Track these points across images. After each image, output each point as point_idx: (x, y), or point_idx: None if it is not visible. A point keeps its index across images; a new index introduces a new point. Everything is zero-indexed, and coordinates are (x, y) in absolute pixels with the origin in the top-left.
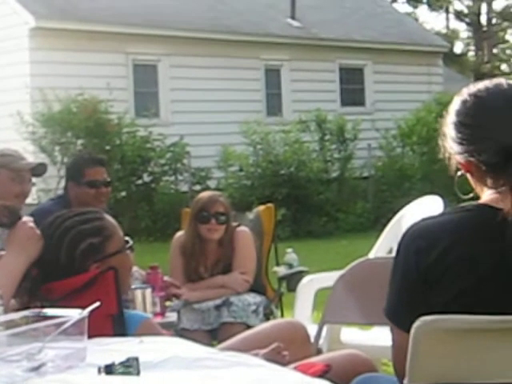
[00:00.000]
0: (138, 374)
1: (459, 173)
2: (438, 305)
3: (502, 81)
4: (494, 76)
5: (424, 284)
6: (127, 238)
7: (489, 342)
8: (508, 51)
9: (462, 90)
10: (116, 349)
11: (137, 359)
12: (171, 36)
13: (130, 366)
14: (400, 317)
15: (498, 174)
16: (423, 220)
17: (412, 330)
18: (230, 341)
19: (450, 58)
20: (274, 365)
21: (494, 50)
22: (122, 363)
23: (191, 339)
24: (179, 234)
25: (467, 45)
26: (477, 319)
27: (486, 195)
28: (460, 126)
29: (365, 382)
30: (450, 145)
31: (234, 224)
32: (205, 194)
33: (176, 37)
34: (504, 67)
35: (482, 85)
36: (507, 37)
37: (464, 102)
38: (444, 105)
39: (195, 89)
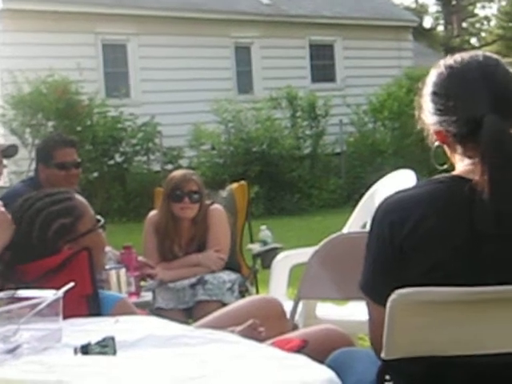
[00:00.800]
0: (114, 353)
1: (436, 144)
2: (413, 278)
3: (478, 53)
4: (464, 50)
5: (398, 257)
6: (98, 217)
7: (464, 314)
8: (477, 25)
9: (438, 62)
10: (92, 329)
11: (113, 339)
12: (140, 15)
13: (107, 346)
14: (375, 291)
15: (468, 144)
16: (396, 193)
17: (388, 304)
18: (205, 318)
19: (420, 33)
20: (251, 341)
21: (464, 24)
22: (98, 343)
23: (167, 318)
24: (152, 213)
25: (436, 19)
26: (452, 291)
27: (460, 166)
28: (435, 96)
29: (341, 356)
30: (426, 116)
31: (208, 202)
32: (177, 173)
33: (145, 16)
34: (473, 41)
35: (458, 56)
36: (476, 10)
37: (440, 74)
38: (414, 79)
39: (165, 68)
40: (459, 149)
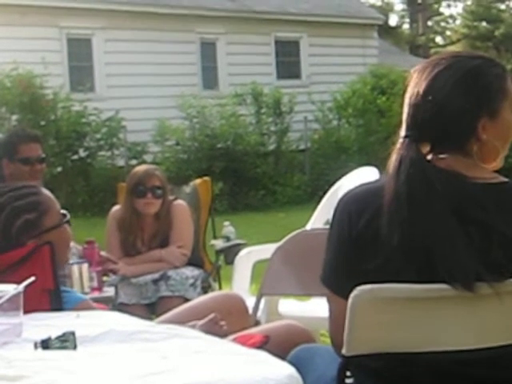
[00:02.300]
0: (74, 348)
1: None
2: (371, 270)
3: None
4: (429, 48)
5: (356, 249)
6: (64, 212)
7: (425, 311)
8: (442, 23)
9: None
10: (52, 324)
11: (73, 333)
12: (105, 10)
13: (67, 341)
14: (335, 282)
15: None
16: (357, 187)
17: (349, 300)
18: (167, 314)
19: (385, 31)
20: (212, 336)
21: (429, 23)
22: (58, 338)
23: (129, 314)
24: (115, 208)
25: (402, 17)
26: (414, 288)
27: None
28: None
29: (303, 352)
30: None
31: (171, 198)
32: (140, 168)
33: (110, 10)
34: (439, 39)
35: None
36: (442, 9)
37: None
38: (379, 77)
39: (130, 63)
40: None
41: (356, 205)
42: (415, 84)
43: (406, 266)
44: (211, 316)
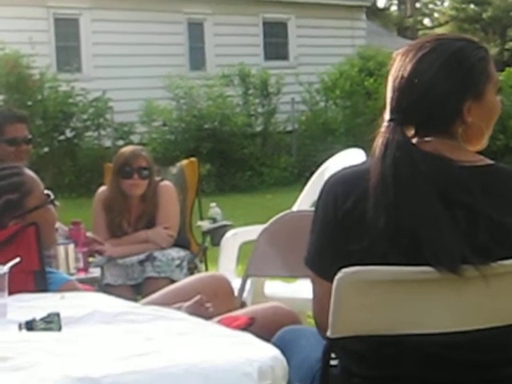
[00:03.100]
0: (59, 329)
1: None
2: (356, 252)
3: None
4: (417, 30)
5: (342, 231)
6: (48, 192)
7: (410, 293)
8: (430, 5)
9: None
10: (37, 305)
11: (58, 315)
12: None
13: (51, 322)
14: (320, 265)
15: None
16: (344, 169)
17: (334, 282)
18: (153, 295)
19: (373, 13)
20: (197, 318)
21: (417, 4)
22: (42, 319)
23: (115, 294)
24: (102, 189)
25: None
26: (398, 270)
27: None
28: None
29: (288, 334)
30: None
31: (157, 179)
32: (127, 149)
33: None
34: (427, 21)
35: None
36: None
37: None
38: (367, 59)
39: (118, 43)
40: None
41: (342, 187)
42: (399, 67)
43: (391, 248)
44: (197, 298)
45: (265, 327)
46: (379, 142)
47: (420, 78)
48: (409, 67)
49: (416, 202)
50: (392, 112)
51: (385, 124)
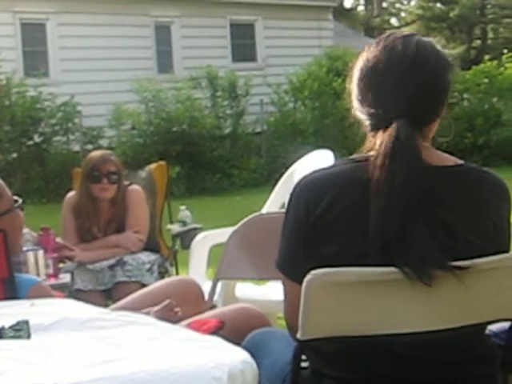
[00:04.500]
0: (28, 337)
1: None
2: (328, 256)
3: (412, 42)
4: (384, 30)
5: (313, 235)
6: (16, 198)
7: (379, 294)
8: (397, 5)
9: (368, 45)
10: (6, 312)
11: (27, 322)
12: None
13: (20, 330)
14: (291, 268)
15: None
16: (315, 172)
17: (303, 284)
18: (123, 300)
19: (340, 13)
20: (165, 323)
21: (384, 4)
22: (11, 327)
23: (86, 300)
24: (71, 194)
25: None
26: (367, 271)
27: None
28: (360, 82)
29: (258, 337)
30: (353, 99)
31: (126, 183)
32: (96, 154)
33: None
34: (393, 21)
35: (390, 43)
36: None
37: (367, 61)
38: (334, 59)
39: (85, 47)
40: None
41: (313, 191)
42: (388, 62)
43: (368, 249)
44: (166, 302)
45: (234, 329)
46: (383, 143)
47: (420, 71)
48: (406, 60)
49: (399, 208)
50: (394, 108)
51: (393, 125)
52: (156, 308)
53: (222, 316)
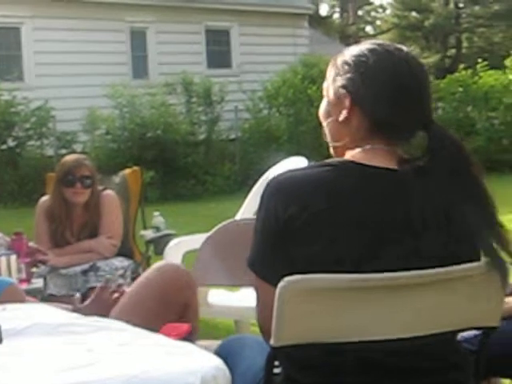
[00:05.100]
0: (0, 342)
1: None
2: (299, 260)
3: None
4: (359, 38)
5: (284, 237)
6: None
7: (353, 301)
8: (373, 13)
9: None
10: None
11: None
12: None
13: None
14: (262, 268)
15: (376, 134)
16: (286, 172)
17: (277, 291)
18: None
19: (316, 20)
20: (138, 329)
21: (359, 12)
22: None
23: (66, 302)
24: (44, 198)
25: (332, 7)
26: (340, 278)
27: (352, 151)
28: (359, 73)
29: (231, 343)
30: (340, 88)
31: (100, 188)
32: (70, 158)
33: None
34: (369, 29)
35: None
36: None
37: (366, 61)
38: (310, 66)
39: (60, 52)
40: (364, 134)
41: (285, 193)
42: (377, 71)
43: (335, 256)
44: (97, 290)
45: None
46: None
47: (412, 81)
48: (403, 69)
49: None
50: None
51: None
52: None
53: (143, 283)
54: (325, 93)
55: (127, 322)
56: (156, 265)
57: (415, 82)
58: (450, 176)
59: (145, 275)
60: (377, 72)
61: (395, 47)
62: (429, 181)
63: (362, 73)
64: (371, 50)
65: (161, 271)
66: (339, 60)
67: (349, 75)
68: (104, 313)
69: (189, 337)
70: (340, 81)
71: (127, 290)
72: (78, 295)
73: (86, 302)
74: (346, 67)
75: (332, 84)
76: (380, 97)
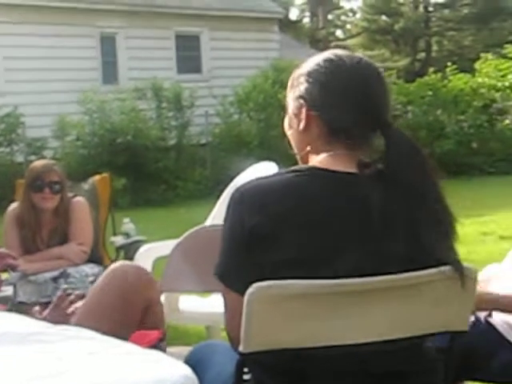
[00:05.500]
0: None
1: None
2: (266, 266)
3: (361, 63)
4: (329, 42)
5: (250, 246)
6: None
7: (319, 307)
8: (343, 17)
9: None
10: None
11: None
12: (3, 4)
13: None
14: (230, 277)
15: (339, 139)
16: (252, 181)
17: (245, 297)
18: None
19: (286, 25)
20: (108, 337)
21: (329, 16)
22: None
23: (29, 313)
24: (13, 205)
25: (302, 11)
26: (308, 284)
27: (317, 157)
28: (317, 83)
29: (201, 350)
30: (299, 97)
31: (70, 195)
32: (39, 163)
33: (8, 4)
34: (339, 33)
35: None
36: (342, 3)
37: (325, 66)
38: (280, 71)
39: (29, 57)
40: (325, 141)
41: (251, 200)
42: (344, 75)
43: (302, 261)
44: (55, 301)
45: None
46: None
47: (375, 84)
48: (363, 73)
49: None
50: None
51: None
52: (46, 311)
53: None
54: (286, 105)
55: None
56: (112, 266)
57: (369, 88)
58: (408, 180)
59: (101, 278)
60: (331, 80)
61: (348, 55)
62: (388, 185)
63: (317, 82)
64: (326, 60)
65: (118, 271)
66: (297, 73)
67: (305, 85)
68: (63, 322)
69: (159, 343)
70: (297, 92)
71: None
72: (36, 308)
73: (45, 312)
74: (302, 78)
75: (291, 96)
76: (335, 104)
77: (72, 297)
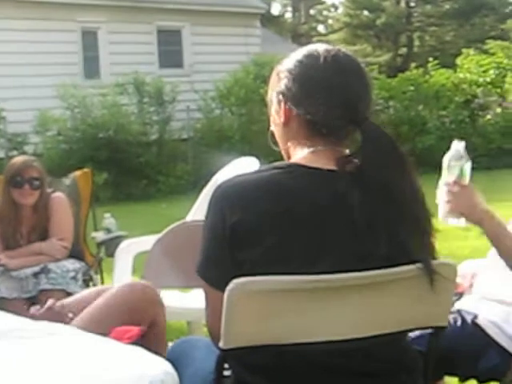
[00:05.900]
0: None
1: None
2: (247, 263)
3: (340, 55)
4: (311, 37)
5: (231, 243)
6: None
7: (300, 302)
8: (325, 12)
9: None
10: None
11: None
12: None
13: None
14: (211, 274)
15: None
16: (234, 177)
17: (225, 293)
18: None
19: (268, 19)
20: (88, 333)
21: (311, 11)
22: None
23: (10, 308)
24: None
25: (284, 6)
26: (288, 280)
27: (299, 154)
28: (298, 80)
29: (182, 345)
30: (280, 93)
31: (49, 190)
32: (18, 159)
33: None
34: (321, 28)
35: (321, 54)
36: None
37: (298, 65)
38: (262, 66)
39: (10, 52)
40: (305, 136)
41: (232, 197)
42: (328, 71)
43: (282, 258)
44: (49, 303)
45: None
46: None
47: (356, 78)
48: (347, 70)
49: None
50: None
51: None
52: (41, 310)
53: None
54: (268, 101)
55: None
56: (122, 283)
57: (347, 81)
58: (383, 176)
59: (109, 293)
60: (308, 75)
61: (327, 49)
62: (365, 182)
63: (296, 77)
64: (304, 55)
65: (127, 288)
66: (277, 68)
67: (285, 81)
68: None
69: (139, 340)
70: (277, 87)
71: (71, 315)
72: (24, 306)
73: (33, 310)
74: (282, 74)
75: (272, 92)
76: (312, 98)
77: (52, 301)
